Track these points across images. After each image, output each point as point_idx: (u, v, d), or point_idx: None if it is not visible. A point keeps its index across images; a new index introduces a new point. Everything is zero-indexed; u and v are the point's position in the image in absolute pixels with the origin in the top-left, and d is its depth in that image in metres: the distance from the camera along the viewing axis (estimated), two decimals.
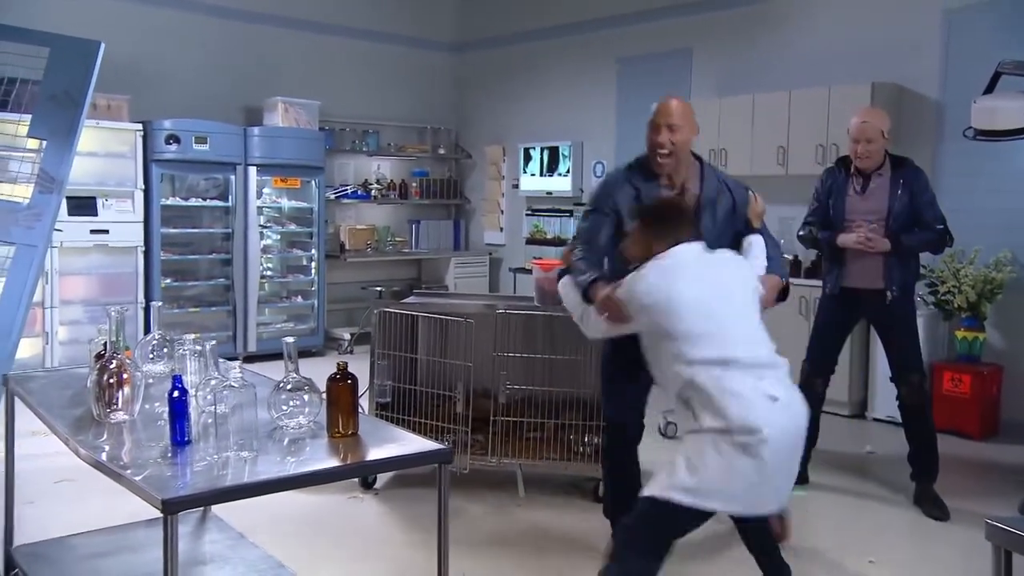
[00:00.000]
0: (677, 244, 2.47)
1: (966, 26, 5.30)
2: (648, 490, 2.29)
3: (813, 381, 3.99)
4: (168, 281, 6.54)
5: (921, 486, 3.85)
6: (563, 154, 7.60)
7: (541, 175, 7.77)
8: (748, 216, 2.90)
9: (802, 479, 4.01)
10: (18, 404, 2.55)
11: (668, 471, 2.27)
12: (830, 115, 5.56)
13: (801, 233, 4.06)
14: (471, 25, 8.61)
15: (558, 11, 7.68)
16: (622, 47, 7.24)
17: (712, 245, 2.64)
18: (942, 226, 3.75)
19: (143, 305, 6.29)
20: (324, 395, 2.07)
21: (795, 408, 2.34)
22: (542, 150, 7.75)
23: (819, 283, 5.55)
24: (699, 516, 2.27)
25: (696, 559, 3.15)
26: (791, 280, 5.37)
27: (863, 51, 5.72)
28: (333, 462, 1.90)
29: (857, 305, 3.89)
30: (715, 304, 2.39)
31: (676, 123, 2.79)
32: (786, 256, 5.21)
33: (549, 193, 7.73)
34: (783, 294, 2.87)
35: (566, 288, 2.78)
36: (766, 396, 2.26)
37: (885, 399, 5.28)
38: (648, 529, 2.29)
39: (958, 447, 4.80)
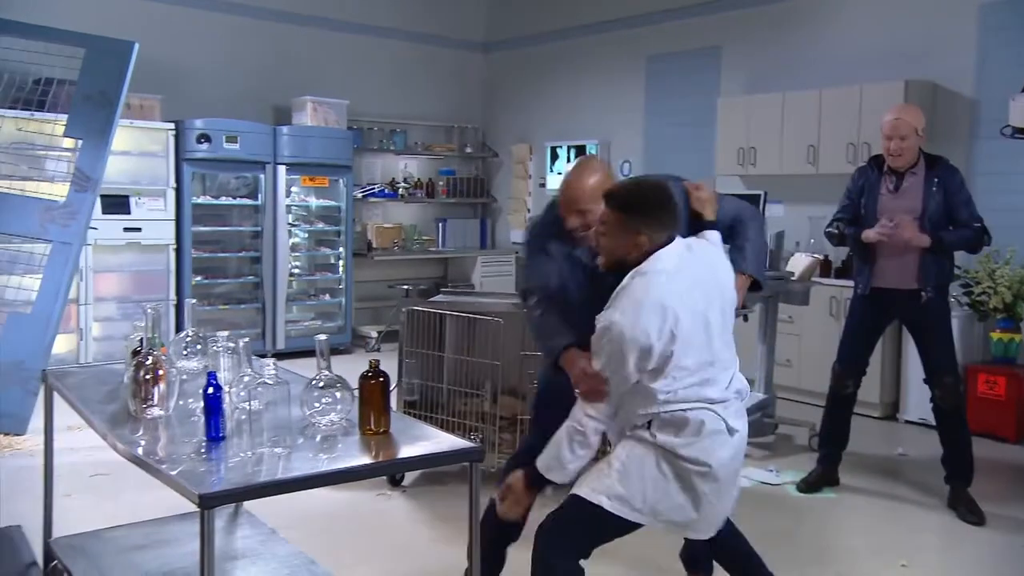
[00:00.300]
0: (666, 241, 2.15)
1: (1002, 21, 5.20)
2: (577, 488, 2.18)
3: (844, 383, 3.95)
4: (198, 279, 6.62)
5: (956, 489, 3.79)
6: (590, 153, 7.58)
7: None
8: (692, 208, 2.50)
9: (832, 481, 3.98)
10: (55, 399, 2.60)
11: (599, 473, 2.16)
12: (862, 113, 5.49)
13: (828, 230, 3.99)
14: (499, 24, 8.62)
15: (586, 10, 7.66)
16: (651, 45, 7.21)
17: None
18: (979, 224, 3.67)
19: (174, 302, 6.38)
20: (356, 392, 2.09)
21: (743, 438, 2.22)
22: (569, 149, 7.74)
23: (850, 283, 5.49)
24: (625, 526, 2.17)
25: None
26: (821, 280, 5.39)
27: (896, 48, 5.64)
28: (366, 459, 1.91)
29: (890, 306, 3.83)
30: (704, 326, 2.14)
31: (588, 207, 2.32)
32: (816, 256, 5.19)
33: None
34: (755, 286, 2.57)
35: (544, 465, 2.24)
36: (727, 429, 2.15)
37: (917, 401, 5.21)
38: (574, 529, 2.17)
39: (993, 450, 4.72)
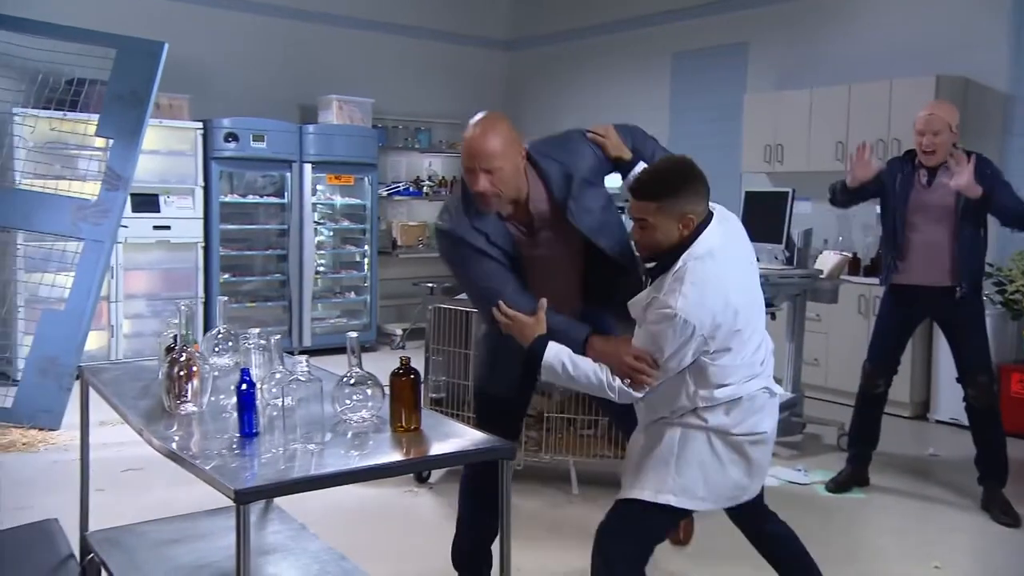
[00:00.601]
0: (708, 214, 2.12)
1: None
2: (633, 493, 2.15)
3: (875, 382, 3.90)
4: (226, 276, 6.69)
5: (990, 490, 3.73)
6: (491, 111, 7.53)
7: None
8: (612, 156, 2.44)
9: (862, 481, 3.94)
10: (90, 395, 2.64)
11: (656, 472, 2.13)
12: (891, 109, 5.43)
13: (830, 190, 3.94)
14: (524, 22, 8.61)
15: (611, 6, 7.63)
16: (676, 42, 7.16)
17: (613, 236, 2.38)
18: None
19: (203, 299, 6.46)
20: (386, 389, 2.10)
21: (778, 398, 2.26)
22: None
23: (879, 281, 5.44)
24: (681, 516, 2.20)
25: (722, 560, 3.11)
26: (850, 278, 5.33)
27: (927, 42, 5.56)
28: (398, 456, 1.92)
29: (922, 304, 3.77)
30: (755, 298, 2.19)
31: (497, 165, 2.20)
32: (844, 254, 5.13)
33: None
34: None
35: (560, 367, 2.15)
36: (767, 392, 2.19)
37: (948, 400, 5.14)
38: (639, 535, 2.15)
39: None
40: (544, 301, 2.23)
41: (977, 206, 3.53)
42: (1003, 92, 5.25)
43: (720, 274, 2.06)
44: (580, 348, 2.18)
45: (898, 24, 5.76)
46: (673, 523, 2.22)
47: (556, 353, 2.14)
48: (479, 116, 2.30)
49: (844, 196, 3.85)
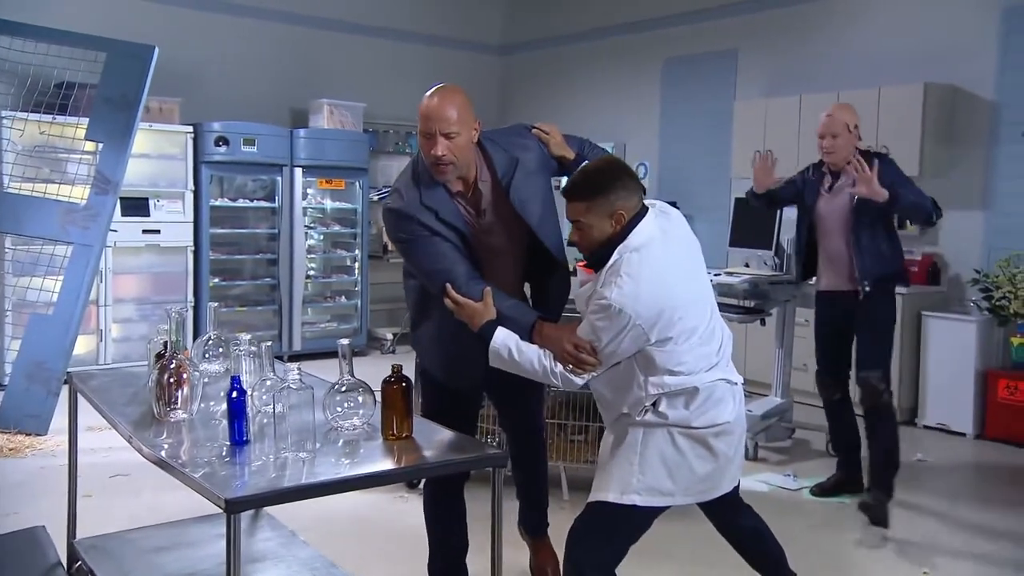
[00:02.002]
0: (641, 209, 2.17)
1: None
2: (599, 496, 2.16)
3: (829, 392, 3.93)
4: (216, 280, 6.67)
5: (872, 496, 3.65)
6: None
7: None
8: (555, 156, 2.49)
9: (855, 485, 3.89)
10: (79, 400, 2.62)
11: (619, 473, 2.15)
12: (880, 116, 5.46)
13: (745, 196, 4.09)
14: (516, 27, 8.63)
15: (603, 13, 7.66)
16: (667, 48, 7.19)
17: (552, 231, 2.42)
18: (931, 200, 3.55)
19: (192, 304, 6.43)
20: (378, 397, 2.09)
21: (741, 388, 2.28)
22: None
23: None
24: (654, 515, 2.19)
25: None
26: None
27: (915, 50, 5.61)
28: (389, 464, 1.92)
29: (839, 307, 3.75)
30: (700, 289, 2.20)
31: (454, 130, 2.22)
32: None
33: None
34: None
35: (506, 353, 2.18)
36: (728, 383, 2.20)
37: (936, 406, 5.18)
38: (608, 538, 2.17)
39: (1014, 456, 4.69)
40: (489, 288, 2.25)
41: (881, 209, 3.51)
42: (990, 100, 5.30)
43: (656, 264, 2.10)
44: (527, 333, 2.22)
45: (887, 32, 5.80)
46: (646, 523, 2.19)
47: (503, 339, 2.18)
48: (437, 86, 2.33)
49: (756, 201, 3.99)
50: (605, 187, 2.14)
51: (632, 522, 2.17)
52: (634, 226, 2.14)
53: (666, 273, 2.11)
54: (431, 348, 2.51)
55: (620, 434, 2.20)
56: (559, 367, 2.15)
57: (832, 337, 3.86)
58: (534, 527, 2.88)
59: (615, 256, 2.12)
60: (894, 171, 3.59)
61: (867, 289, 3.60)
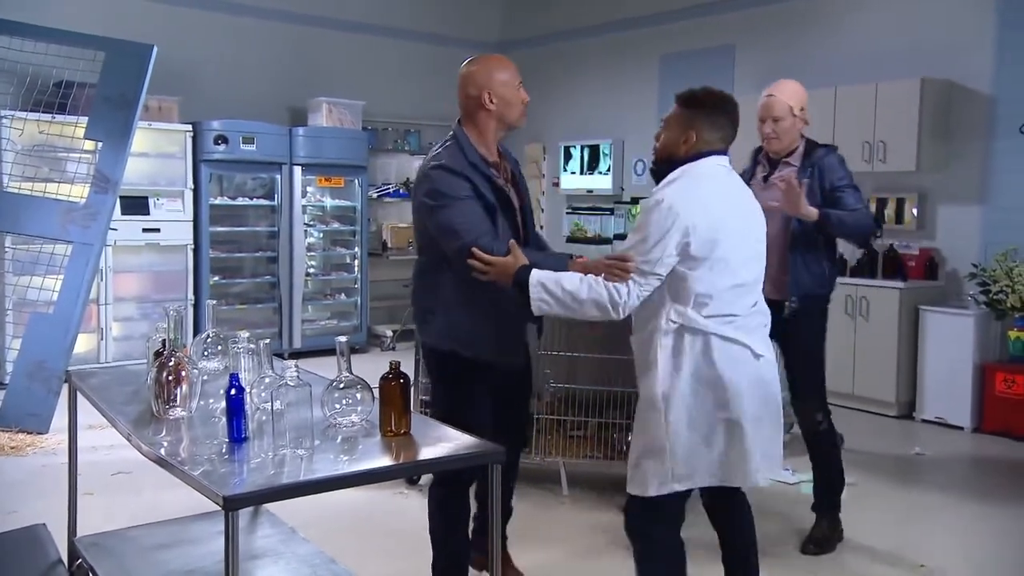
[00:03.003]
0: (721, 147, 2.23)
1: (1021, 18, 5.16)
2: (638, 490, 2.22)
3: (805, 418, 3.35)
4: (216, 278, 6.68)
5: (816, 527, 3.33)
6: (604, 152, 7.59)
7: (582, 173, 7.77)
8: None
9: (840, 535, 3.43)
10: (78, 398, 2.64)
11: (655, 462, 2.18)
12: (877, 112, 5.47)
13: None
14: (513, 24, 8.63)
15: (600, 9, 7.66)
16: (664, 44, 7.20)
17: (529, 223, 2.57)
18: (868, 209, 3.20)
19: (192, 302, 6.44)
20: (376, 393, 2.10)
21: (772, 365, 2.28)
22: (583, 148, 7.75)
23: (866, 282, 5.49)
24: (687, 495, 2.26)
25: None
26: (838, 278, 5.34)
27: (912, 45, 5.61)
28: (387, 461, 1.93)
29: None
30: (745, 237, 2.22)
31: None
32: None
33: (590, 191, 7.73)
34: None
35: (552, 285, 2.18)
36: (753, 355, 2.21)
37: (934, 399, 5.20)
38: (661, 527, 2.24)
39: (1012, 449, 4.71)
40: (513, 241, 2.32)
41: (817, 208, 3.04)
42: (987, 94, 5.30)
43: (711, 191, 2.17)
44: (564, 268, 2.29)
45: (884, 27, 5.80)
46: (683, 504, 2.27)
47: (542, 276, 2.18)
48: (480, 55, 2.64)
49: None
50: (693, 105, 2.22)
51: (672, 508, 2.24)
52: (704, 157, 2.20)
53: (716, 201, 2.16)
54: (477, 331, 2.45)
55: (642, 413, 2.24)
56: (612, 285, 2.12)
57: (782, 352, 3.18)
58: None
59: (678, 172, 2.20)
60: (839, 172, 3.11)
61: (794, 305, 3.09)
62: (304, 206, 7.02)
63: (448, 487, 2.51)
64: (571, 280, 2.18)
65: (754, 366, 2.22)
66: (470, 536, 2.63)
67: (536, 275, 2.19)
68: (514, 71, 2.53)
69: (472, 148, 2.49)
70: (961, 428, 5.06)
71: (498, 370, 2.50)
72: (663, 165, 2.24)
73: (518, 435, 2.76)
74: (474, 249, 2.28)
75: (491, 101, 2.49)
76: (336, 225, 7.36)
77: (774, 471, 2.36)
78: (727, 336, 2.17)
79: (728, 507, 2.44)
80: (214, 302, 2.71)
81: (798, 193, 2.99)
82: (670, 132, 2.24)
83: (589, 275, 2.18)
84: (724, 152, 2.26)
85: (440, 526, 2.58)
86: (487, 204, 2.42)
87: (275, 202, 6.91)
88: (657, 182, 2.26)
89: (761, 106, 3.15)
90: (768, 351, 2.27)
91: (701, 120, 2.21)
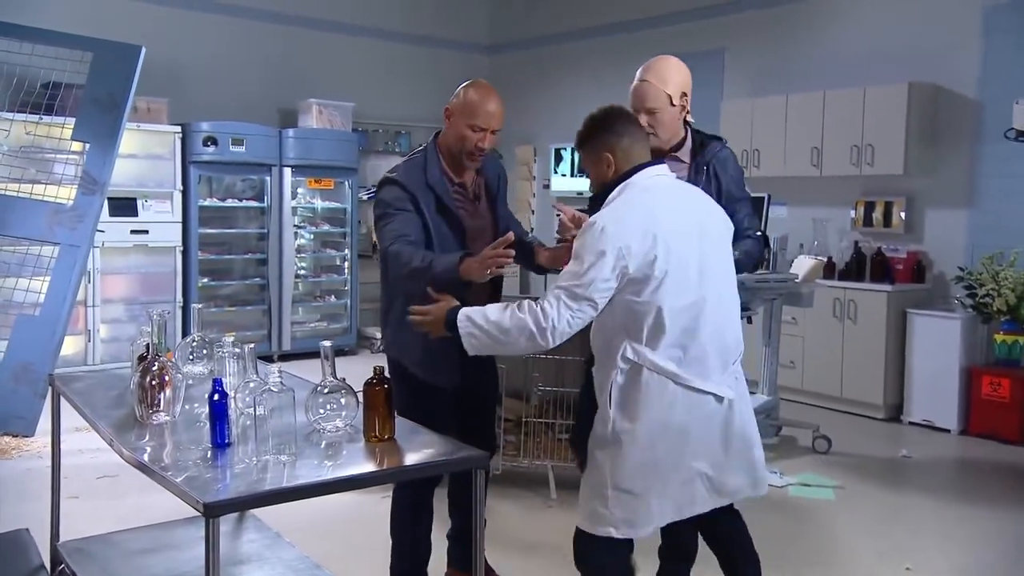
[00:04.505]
0: (646, 158, 2.16)
1: (1007, 24, 5.20)
2: (584, 524, 2.16)
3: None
4: (205, 280, 6.66)
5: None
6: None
7: (572, 175, 7.79)
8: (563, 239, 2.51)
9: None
10: (63, 402, 2.62)
11: (599, 503, 2.11)
12: (865, 116, 5.50)
13: None
14: (504, 27, 8.63)
15: (590, 12, 7.67)
16: (654, 48, 7.16)
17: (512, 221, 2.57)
18: (761, 232, 2.77)
19: (181, 304, 6.42)
20: (360, 398, 2.10)
21: (741, 400, 2.16)
22: (573, 151, 7.75)
23: (856, 285, 5.51)
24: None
25: None
26: (824, 282, 5.39)
27: (900, 50, 5.64)
28: (371, 467, 1.93)
29: None
30: (695, 262, 2.07)
31: (498, 128, 2.50)
32: (819, 258, 5.20)
33: (580, 193, 7.72)
34: None
35: (478, 318, 2.09)
36: (716, 400, 2.09)
37: (921, 402, 5.22)
38: (609, 558, 2.17)
39: (998, 452, 4.73)
40: (438, 293, 2.26)
41: None
42: (974, 99, 5.33)
43: (648, 205, 2.07)
44: (455, 270, 2.28)
45: (871, 32, 5.83)
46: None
47: (468, 311, 2.11)
48: (483, 82, 2.59)
49: None
50: (593, 130, 2.18)
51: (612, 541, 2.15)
52: (640, 170, 2.13)
53: (658, 216, 2.04)
54: (413, 346, 2.47)
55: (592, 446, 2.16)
56: (536, 310, 2.01)
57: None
58: (466, 559, 2.81)
59: (615, 191, 2.13)
60: (734, 175, 2.62)
61: None
62: (294, 208, 7.01)
63: (413, 489, 2.52)
64: (495, 310, 2.08)
65: (719, 414, 2.12)
66: (444, 550, 2.64)
67: (463, 311, 2.11)
68: (485, 114, 2.46)
69: (436, 165, 2.52)
70: (948, 431, 5.09)
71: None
72: (599, 195, 2.18)
73: (485, 442, 2.67)
74: (411, 307, 2.24)
75: (447, 121, 2.54)
76: (326, 227, 7.34)
77: (751, 490, 2.23)
78: (687, 383, 2.06)
79: (719, 528, 2.35)
80: (200, 306, 2.70)
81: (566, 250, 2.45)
82: (591, 168, 2.20)
83: (515, 303, 2.08)
84: (657, 161, 2.19)
85: (402, 527, 2.59)
86: (428, 222, 2.45)
87: (265, 204, 6.89)
88: (597, 209, 2.16)
89: (633, 94, 2.58)
90: (734, 387, 2.15)
91: (604, 139, 2.15)
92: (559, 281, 2.08)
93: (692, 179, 2.52)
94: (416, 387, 2.49)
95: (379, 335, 7.48)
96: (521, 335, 2.04)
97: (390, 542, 2.70)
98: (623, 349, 2.07)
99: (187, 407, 2.26)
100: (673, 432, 2.08)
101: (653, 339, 2.05)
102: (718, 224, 2.22)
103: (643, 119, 2.48)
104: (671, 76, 2.55)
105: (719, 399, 2.12)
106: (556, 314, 2.01)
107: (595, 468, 2.15)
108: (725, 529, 2.34)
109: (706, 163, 2.58)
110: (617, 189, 2.13)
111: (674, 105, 2.54)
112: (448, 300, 2.18)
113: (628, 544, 2.20)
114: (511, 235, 2.32)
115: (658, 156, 2.41)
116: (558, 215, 2.55)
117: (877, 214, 5.69)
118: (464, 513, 2.73)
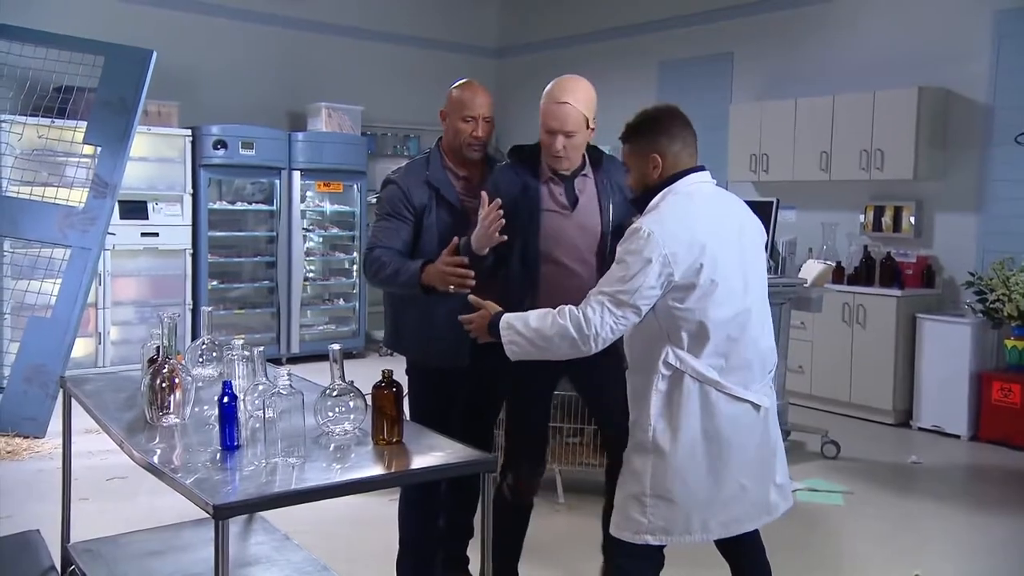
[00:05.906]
0: (693, 163, 2.12)
1: (1017, 28, 5.18)
2: (618, 532, 2.14)
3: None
4: (214, 283, 6.69)
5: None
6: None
7: None
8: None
9: None
10: (74, 404, 2.64)
11: (636, 510, 2.10)
12: (875, 120, 5.49)
13: None
14: (512, 30, 8.65)
15: (599, 16, 7.67)
16: (663, 51, 7.21)
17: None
18: None
19: (190, 307, 6.45)
20: (369, 401, 2.11)
21: (773, 407, 2.17)
22: None
23: (864, 290, 5.49)
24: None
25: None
26: (833, 287, 5.38)
27: (909, 54, 5.62)
28: (379, 470, 1.93)
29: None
30: (739, 273, 2.07)
31: (490, 115, 2.68)
32: (828, 263, 5.18)
33: None
34: None
35: (520, 326, 2.10)
36: (754, 408, 2.09)
37: (930, 408, 5.20)
38: (646, 568, 2.18)
39: (1009, 458, 4.71)
40: (476, 299, 2.27)
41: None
42: (984, 103, 5.31)
43: (694, 213, 2.05)
44: (417, 276, 2.37)
45: (881, 36, 5.82)
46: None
47: (510, 318, 2.12)
48: (467, 79, 2.76)
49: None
50: (642, 129, 2.13)
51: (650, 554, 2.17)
52: (684, 176, 2.10)
53: (705, 221, 2.03)
54: (416, 332, 2.61)
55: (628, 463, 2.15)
56: (579, 316, 2.00)
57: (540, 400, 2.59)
58: (462, 562, 2.86)
59: (659, 197, 2.09)
60: (626, 187, 2.38)
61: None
62: (303, 211, 7.03)
63: (421, 489, 2.57)
64: (537, 316, 2.08)
65: (758, 423, 2.12)
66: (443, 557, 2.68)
67: (506, 317, 2.11)
68: (471, 104, 2.63)
69: (438, 161, 2.63)
70: (958, 436, 5.06)
71: (453, 374, 2.56)
72: (641, 196, 2.15)
73: (485, 446, 2.68)
74: (460, 317, 2.25)
75: (443, 123, 2.67)
76: (335, 230, 7.36)
77: (783, 502, 2.25)
78: (728, 392, 2.05)
79: (739, 545, 2.33)
80: (210, 308, 2.72)
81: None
82: (634, 167, 2.14)
83: (557, 308, 2.06)
84: (701, 168, 2.15)
85: (410, 525, 2.64)
86: (425, 219, 2.54)
87: (274, 207, 6.92)
88: (639, 210, 2.16)
89: (549, 115, 2.46)
90: (769, 396, 2.16)
91: (657, 137, 2.10)
92: (602, 286, 2.05)
93: (599, 197, 2.48)
94: (429, 383, 2.59)
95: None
96: (563, 342, 2.04)
97: (397, 543, 2.71)
98: (665, 354, 2.06)
99: (197, 409, 2.27)
100: (713, 440, 2.08)
101: (696, 346, 2.05)
102: (755, 232, 2.21)
103: (559, 141, 2.41)
104: (588, 98, 2.50)
105: (756, 407, 2.12)
106: (599, 320, 2.01)
107: (632, 475, 2.13)
108: (740, 537, 2.32)
109: (606, 176, 2.53)
110: (660, 194, 2.10)
111: (589, 128, 2.49)
112: (490, 306, 2.20)
113: (661, 558, 2.19)
114: (456, 241, 2.37)
115: (565, 179, 2.45)
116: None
117: (887, 219, 5.67)
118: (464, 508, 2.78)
